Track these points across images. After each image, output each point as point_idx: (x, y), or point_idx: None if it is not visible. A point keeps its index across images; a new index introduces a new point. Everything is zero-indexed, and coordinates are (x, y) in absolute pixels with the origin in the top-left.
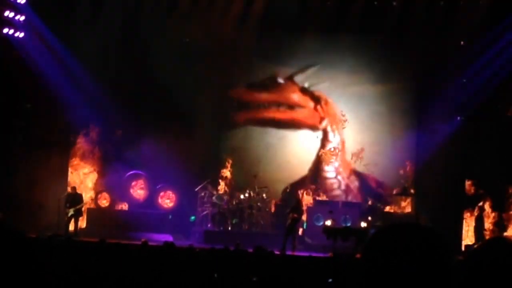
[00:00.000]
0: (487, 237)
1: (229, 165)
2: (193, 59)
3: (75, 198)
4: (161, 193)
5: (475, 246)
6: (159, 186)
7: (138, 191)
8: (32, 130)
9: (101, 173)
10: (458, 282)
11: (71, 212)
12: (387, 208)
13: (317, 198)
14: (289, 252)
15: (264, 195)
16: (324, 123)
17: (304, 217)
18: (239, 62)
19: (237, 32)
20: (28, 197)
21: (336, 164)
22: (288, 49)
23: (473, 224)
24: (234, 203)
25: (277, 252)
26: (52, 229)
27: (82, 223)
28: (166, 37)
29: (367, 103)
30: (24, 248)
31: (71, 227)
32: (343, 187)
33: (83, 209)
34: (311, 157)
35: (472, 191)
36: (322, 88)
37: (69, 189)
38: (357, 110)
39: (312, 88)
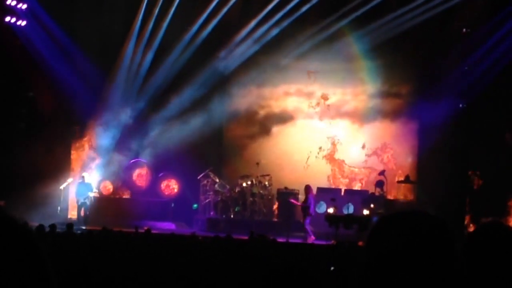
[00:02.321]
0: None
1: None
2: (197, 47)
3: (85, 187)
4: (164, 181)
5: (472, 230)
6: (162, 174)
7: (141, 178)
8: (35, 118)
9: (104, 161)
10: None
11: (81, 200)
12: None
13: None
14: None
15: (266, 182)
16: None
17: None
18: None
19: (239, 20)
20: (30, 185)
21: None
22: (290, 36)
23: None
24: (236, 191)
25: (280, 240)
26: (54, 217)
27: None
28: (169, 25)
29: (369, 91)
30: (24, 236)
31: (82, 215)
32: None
33: (92, 198)
34: (313, 144)
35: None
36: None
37: (75, 178)
38: (358, 98)
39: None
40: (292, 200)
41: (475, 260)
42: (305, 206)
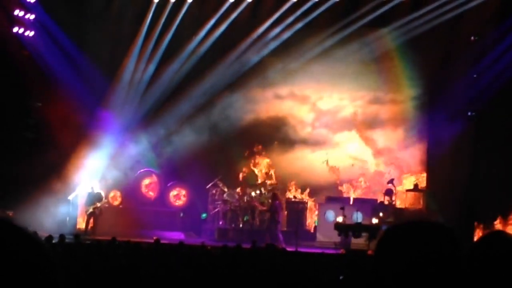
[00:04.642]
0: None
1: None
2: (203, 54)
3: (94, 197)
4: (172, 191)
5: (475, 241)
6: (170, 183)
7: (150, 188)
8: (42, 128)
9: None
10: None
11: (90, 210)
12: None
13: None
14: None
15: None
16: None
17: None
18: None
19: (247, 28)
20: (38, 196)
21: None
22: (299, 43)
23: None
24: (245, 200)
25: (289, 249)
26: (63, 228)
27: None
28: (177, 34)
29: (378, 99)
30: (35, 246)
31: (90, 225)
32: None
33: (102, 207)
34: (323, 153)
35: None
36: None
37: (88, 188)
38: (368, 106)
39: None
40: (256, 204)
41: (478, 271)
42: (270, 212)
